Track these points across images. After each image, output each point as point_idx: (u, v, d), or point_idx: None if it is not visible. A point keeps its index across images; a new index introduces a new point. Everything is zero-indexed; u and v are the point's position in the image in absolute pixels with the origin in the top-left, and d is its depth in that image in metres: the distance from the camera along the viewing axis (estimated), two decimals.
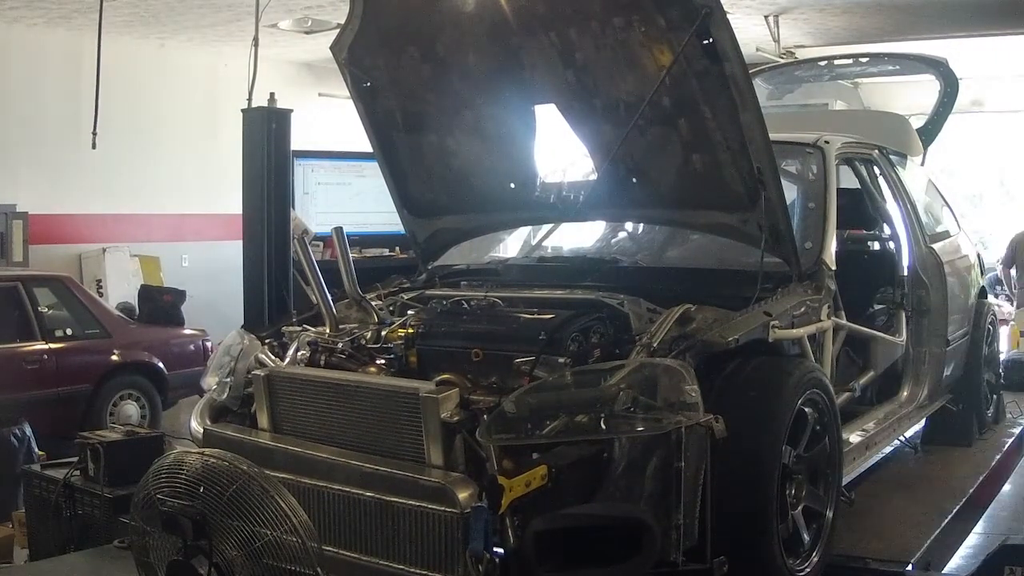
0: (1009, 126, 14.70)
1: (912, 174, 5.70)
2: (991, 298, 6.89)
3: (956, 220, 6.36)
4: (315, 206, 10.28)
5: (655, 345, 3.48)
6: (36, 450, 6.24)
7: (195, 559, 3.11)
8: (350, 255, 4.50)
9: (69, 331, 8.30)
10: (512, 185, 4.75)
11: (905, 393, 5.13)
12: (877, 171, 5.30)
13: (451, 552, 3.12)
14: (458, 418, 3.31)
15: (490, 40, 4.30)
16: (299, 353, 4.04)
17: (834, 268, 4.31)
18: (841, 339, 4.46)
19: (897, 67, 7.49)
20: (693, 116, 3.98)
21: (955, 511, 4.68)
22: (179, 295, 9.50)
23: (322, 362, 3.91)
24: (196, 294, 9.93)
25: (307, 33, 10.48)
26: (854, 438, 4.46)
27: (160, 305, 9.37)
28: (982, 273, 6.38)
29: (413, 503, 3.22)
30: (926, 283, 5.18)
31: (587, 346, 3.59)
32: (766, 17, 10.25)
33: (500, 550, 3.10)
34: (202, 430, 4.02)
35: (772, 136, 3.88)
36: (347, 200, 10.33)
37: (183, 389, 8.45)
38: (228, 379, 4.13)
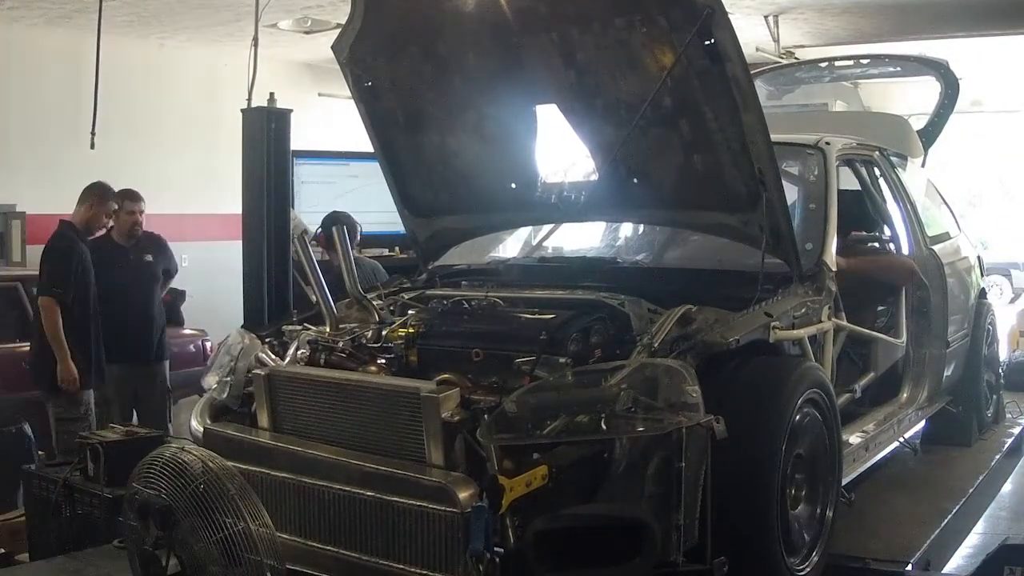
0: (1008, 126, 14.71)
1: (912, 176, 5.70)
2: None
3: (956, 221, 6.37)
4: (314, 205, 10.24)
5: (656, 345, 3.49)
6: (36, 450, 6.23)
7: (159, 551, 3.17)
8: (351, 254, 4.50)
9: None
10: (513, 185, 4.74)
11: (905, 394, 5.14)
12: (878, 172, 5.30)
13: (451, 552, 3.12)
14: (459, 418, 3.30)
15: (491, 40, 4.30)
16: (299, 352, 4.04)
17: (835, 269, 4.32)
18: (841, 340, 4.46)
19: (898, 68, 7.50)
20: (694, 117, 3.97)
21: (955, 511, 4.69)
22: (179, 295, 9.48)
23: (322, 361, 3.91)
24: (196, 294, 9.90)
25: (307, 33, 10.47)
26: (854, 439, 4.47)
27: None
28: (982, 274, 6.39)
29: (413, 503, 3.22)
30: (926, 284, 5.18)
31: (588, 346, 3.59)
32: (766, 17, 10.24)
33: (500, 550, 3.10)
34: (202, 429, 4.02)
35: (773, 137, 3.88)
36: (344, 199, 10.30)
37: (183, 389, 8.43)
38: (228, 378, 4.12)
